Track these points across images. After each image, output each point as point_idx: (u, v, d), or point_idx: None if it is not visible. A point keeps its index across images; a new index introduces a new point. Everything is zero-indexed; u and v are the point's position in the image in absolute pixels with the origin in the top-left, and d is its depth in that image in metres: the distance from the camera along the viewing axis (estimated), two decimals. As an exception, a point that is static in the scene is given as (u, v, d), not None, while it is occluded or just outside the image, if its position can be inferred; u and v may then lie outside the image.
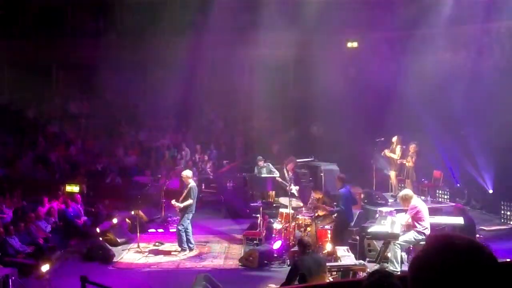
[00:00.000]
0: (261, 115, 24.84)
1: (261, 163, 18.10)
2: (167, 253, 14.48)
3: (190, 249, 14.42)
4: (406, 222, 12.11)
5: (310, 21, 25.17)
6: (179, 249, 14.43)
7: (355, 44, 25.02)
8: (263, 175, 17.89)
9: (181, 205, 14.20)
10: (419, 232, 11.84)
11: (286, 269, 12.59)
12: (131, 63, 28.69)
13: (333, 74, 26.01)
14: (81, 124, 25.82)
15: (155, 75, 29.20)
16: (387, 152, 17.36)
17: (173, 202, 14.48)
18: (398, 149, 17.08)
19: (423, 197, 16.06)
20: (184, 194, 14.29)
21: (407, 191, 12.61)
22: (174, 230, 16.03)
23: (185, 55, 27.62)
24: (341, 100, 21.83)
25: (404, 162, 17.01)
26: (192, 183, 14.37)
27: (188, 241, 14.41)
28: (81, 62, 29.11)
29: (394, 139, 17.12)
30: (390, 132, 17.83)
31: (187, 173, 14.86)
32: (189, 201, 14.12)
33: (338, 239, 13.12)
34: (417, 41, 19.84)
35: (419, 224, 11.84)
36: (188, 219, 14.30)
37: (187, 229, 14.38)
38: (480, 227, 15.26)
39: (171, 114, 25.62)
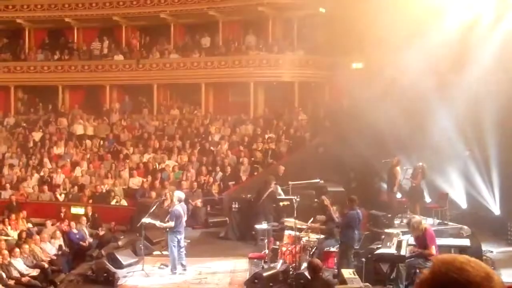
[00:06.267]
0: (266, 136, 24.85)
1: (273, 184, 17.91)
2: (172, 275, 14.39)
3: (173, 273, 14.39)
4: (430, 252, 11.82)
5: (315, 43, 25.32)
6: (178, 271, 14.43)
7: (360, 65, 25.10)
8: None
9: (163, 225, 14.43)
10: (427, 260, 11.72)
11: (291, 292, 12.53)
12: (137, 84, 28.93)
13: (339, 94, 26.10)
14: (87, 145, 25.90)
15: (161, 95, 29.40)
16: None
17: (158, 223, 14.59)
18: (397, 170, 16.96)
19: (430, 219, 15.99)
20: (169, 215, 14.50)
21: (416, 217, 12.54)
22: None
23: (190, 75, 27.82)
24: (347, 120, 21.85)
25: (414, 184, 16.92)
26: (176, 206, 14.38)
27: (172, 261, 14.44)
28: (87, 84, 29.36)
29: (394, 161, 17.03)
30: (396, 153, 17.77)
31: (178, 194, 14.89)
32: (169, 224, 14.17)
33: (344, 262, 13.05)
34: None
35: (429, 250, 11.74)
36: (172, 241, 14.25)
37: (179, 249, 14.37)
38: (487, 249, 15.16)
39: (176, 136, 25.69)
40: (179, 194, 14.88)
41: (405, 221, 16.36)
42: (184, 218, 14.63)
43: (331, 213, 14.08)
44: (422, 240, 11.96)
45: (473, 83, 17.63)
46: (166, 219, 14.55)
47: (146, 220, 14.81)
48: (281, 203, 16.32)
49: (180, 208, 14.43)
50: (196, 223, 19.78)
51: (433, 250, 11.79)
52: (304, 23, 27.57)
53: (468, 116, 17.72)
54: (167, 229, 14.45)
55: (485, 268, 1.92)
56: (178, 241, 14.34)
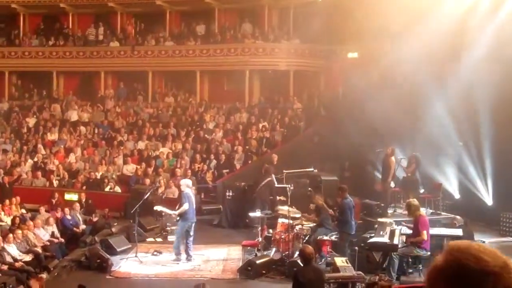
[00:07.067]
0: (261, 125, 24.84)
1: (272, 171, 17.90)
2: (165, 262, 14.42)
3: (177, 259, 14.35)
4: (422, 238, 11.99)
5: (311, 31, 25.28)
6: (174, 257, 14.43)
7: (355, 55, 25.08)
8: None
9: (177, 212, 14.28)
10: (420, 247, 11.89)
11: (284, 279, 12.57)
12: (132, 71, 28.84)
13: (334, 83, 26.12)
14: (81, 132, 25.84)
15: (156, 82, 29.34)
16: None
17: (171, 212, 14.56)
18: (392, 160, 16.96)
19: (423, 209, 16.03)
20: (180, 201, 14.44)
21: (416, 201, 12.70)
22: (172, 239, 16.13)
23: (185, 63, 27.78)
24: (343, 109, 21.87)
25: (408, 174, 16.96)
26: (186, 190, 14.37)
27: (176, 247, 14.40)
28: (82, 70, 29.27)
29: (388, 150, 17.05)
30: (390, 143, 17.77)
31: (186, 181, 14.88)
32: (185, 206, 14.09)
33: (338, 250, 13.14)
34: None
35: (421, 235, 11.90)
36: (182, 227, 14.23)
37: (187, 238, 14.32)
38: (479, 239, 15.22)
39: (171, 123, 25.66)
40: (187, 182, 14.91)
41: (398, 210, 16.47)
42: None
43: (326, 210, 14.14)
44: (415, 226, 12.13)
45: (468, 73, 17.61)
46: (177, 207, 14.51)
47: (158, 208, 14.90)
48: (278, 197, 16.41)
49: (191, 193, 14.48)
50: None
51: (425, 235, 11.92)
52: (300, 12, 27.51)
53: (463, 106, 17.73)
54: (178, 217, 14.40)
55: (502, 257, 1.81)
56: (187, 230, 14.30)
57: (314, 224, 14.19)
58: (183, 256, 14.40)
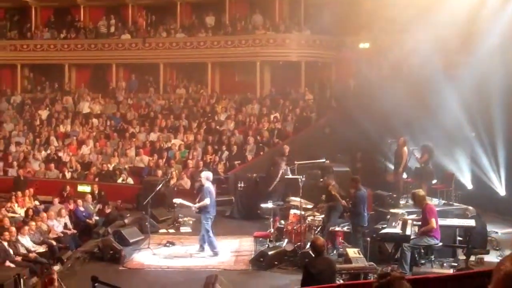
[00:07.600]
0: (272, 116, 24.83)
1: (283, 164, 17.89)
2: (178, 253, 14.47)
3: (215, 254, 14.22)
4: (431, 226, 12.02)
5: (322, 22, 25.22)
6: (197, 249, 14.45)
7: (367, 45, 24.98)
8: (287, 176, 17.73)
9: (196, 205, 14.23)
10: (430, 236, 11.90)
11: (296, 270, 12.58)
12: (143, 63, 28.90)
13: (345, 74, 26.04)
14: (93, 124, 25.94)
15: (168, 74, 29.38)
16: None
17: (191, 204, 14.50)
18: (404, 150, 16.88)
19: (435, 199, 15.98)
20: (200, 195, 14.33)
21: (421, 191, 12.71)
22: (185, 230, 16.19)
23: (196, 54, 27.79)
24: (354, 100, 21.80)
25: (422, 164, 16.89)
26: (207, 184, 14.28)
27: (210, 244, 14.31)
28: (94, 62, 29.35)
29: (400, 141, 16.97)
30: (402, 133, 17.71)
31: (207, 174, 14.77)
32: (206, 201, 14.00)
33: (351, 241, 13.14)
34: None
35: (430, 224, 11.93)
36: (205, 221, 14.13)
37: (208, 231, 14.27)
38: (492, 230, 15.16)
39: (183, 115, 25.69)
40: (207, 174, 14.73)
41: (410, 201, 16.38)
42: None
43: (339, 200, 14.11)
44: (423, 215, 12.15)
45: (481, 62, 17.50)
46: (197, 200, 14.43)
47: (177, 200, 14.90)
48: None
49: (211, 187, 14.41)
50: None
51: (433, 223, 11.92)
52: (311, 3, 27.45)
53: (475, 96, 17.62)
54: (197, 210, 14.33)
55: None
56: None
57: (324, 215, 14.21)
58: (197, 247, 14.44)
